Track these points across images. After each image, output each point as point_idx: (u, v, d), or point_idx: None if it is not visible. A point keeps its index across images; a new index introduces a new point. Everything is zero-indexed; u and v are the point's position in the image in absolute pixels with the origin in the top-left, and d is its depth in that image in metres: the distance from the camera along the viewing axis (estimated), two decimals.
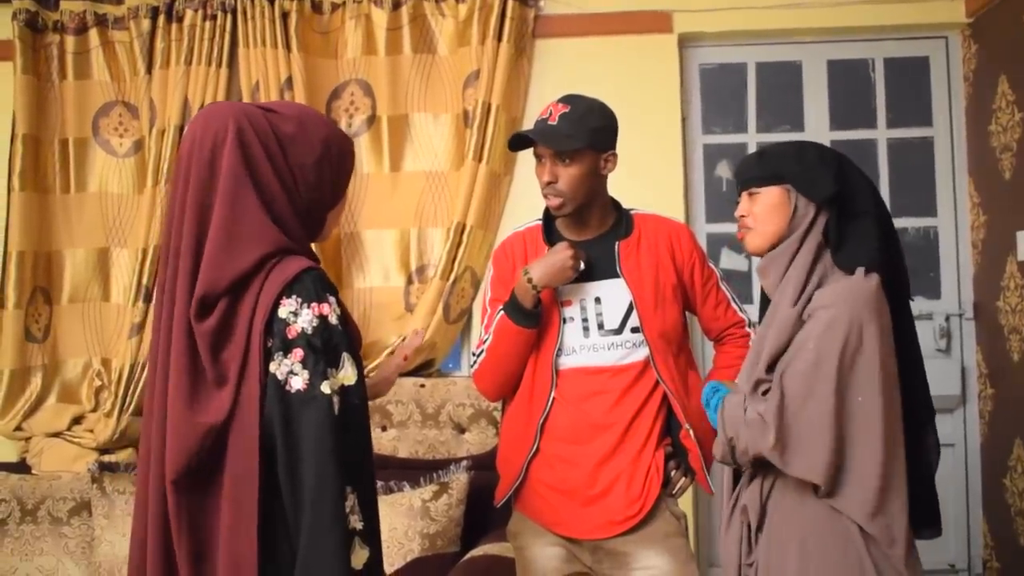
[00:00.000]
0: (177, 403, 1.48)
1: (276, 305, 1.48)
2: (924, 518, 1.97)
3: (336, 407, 1.46)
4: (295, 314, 1.48)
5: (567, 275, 2.19)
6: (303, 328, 1.47)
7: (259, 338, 1.47)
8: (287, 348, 1.47)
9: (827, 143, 3.66)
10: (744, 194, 2.01)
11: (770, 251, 1.97)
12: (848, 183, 1.94)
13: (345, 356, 1.51)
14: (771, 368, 1.90)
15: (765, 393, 1.89)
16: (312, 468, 1.43)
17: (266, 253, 1.51)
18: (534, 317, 2.21)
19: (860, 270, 1.87)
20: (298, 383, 1.46)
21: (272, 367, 1.47)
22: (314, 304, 1.49)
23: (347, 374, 1.50)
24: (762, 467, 1.93)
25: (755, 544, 1.96)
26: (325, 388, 1.46)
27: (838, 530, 1.85)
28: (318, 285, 1.51)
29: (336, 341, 1.50)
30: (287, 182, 1.56)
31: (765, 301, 2.03)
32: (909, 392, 1.91)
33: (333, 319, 1.51)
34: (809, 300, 1.89)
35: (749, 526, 1.96)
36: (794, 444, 1.82)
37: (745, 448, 1.87)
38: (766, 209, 1.95)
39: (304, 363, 1.46)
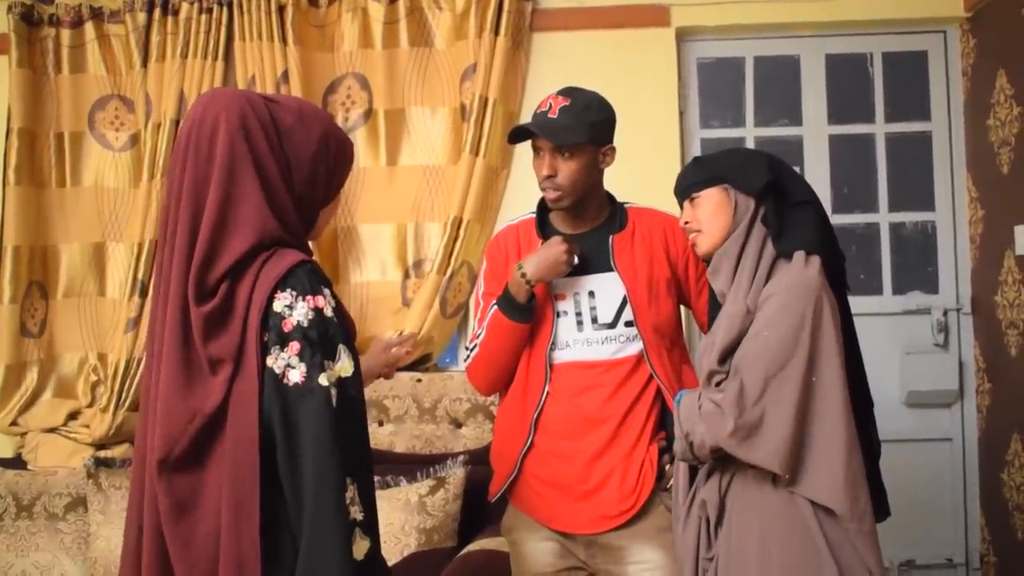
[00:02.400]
0: (169, 387, 1.47)
1: (271, 299, 1.48)
2: (874, 504, 1.99)
3: (334, 399, 1.46)
4: (290, 307, 1.47)
5: (561, 269, 2.19)
6: (299, 321, 1.47)
7: (255, 333, 1.46)
8: (283, 341, 1.46)
9: (825, 137, 3.72)
10: (686, 202, 2.08)
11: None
12: (781, 174, 2.01)
13: (341, 348, 1.50)
14: (723, 361, 1.93)
15: (719, 384, 1.92)
16: (312, 460, 1.42)
17: (263, 239, 1.50)
18: (528, 312, 2.20)
19: (800, 253, 1.93)
20: (296, 376, 1.45)
21: (269, 361, 1.46)
22: (309, 297, 1.48)
23: (344, 366, 1.50)
24: (720, 461, 1.97)
25: (714, 539, 1.98)
26: (323, 380, 1.45)
27: (796, 520, 1.88)
28: (312, 278, 1.50)
29: (332, 333, 1.49)
30: (284, 173, 1.55)
31: (715, 308, 2.09)
32: (851, 380, 1.95)
33: (328, 311, 1.50)
34: (757, 294, 1.94)
35: (707, 521, 1.98)
36: (754, 432, 1.85)
37: (702, 441, 1.89)
38: (709, 210, 2.03)
39: (301, 356, 1.46)
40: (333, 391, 1.46)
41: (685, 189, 2.07)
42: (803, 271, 1.91)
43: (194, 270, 1.48)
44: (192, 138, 1.53)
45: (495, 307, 2.23)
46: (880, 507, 2.03)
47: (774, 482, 1.90)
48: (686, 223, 2.08)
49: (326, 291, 1.52)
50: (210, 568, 1.45)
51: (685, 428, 1.92)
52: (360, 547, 1.46)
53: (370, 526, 1.49)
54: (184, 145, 1.54)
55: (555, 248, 2.18)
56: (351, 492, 1.45)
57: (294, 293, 1.48)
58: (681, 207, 2.10)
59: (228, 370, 1.46)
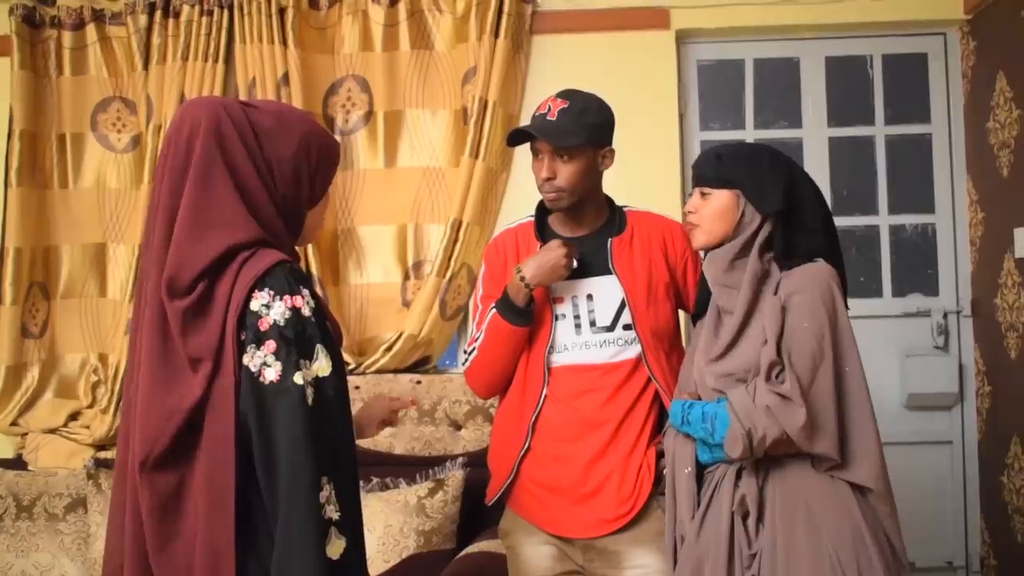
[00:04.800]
0: (149, 386, 1.49)
1: (248, 298, 1.49)
2: None
3: (310, 398, 1.47)
4: (267, 306, 1.49)
5: (560, 273, 2.18)
6: (275, 320, 1.48)
7: (232, 331, 1.48)
8: (259, 340, 1.48)
9: (825, 140, 3.71)
10: (697, 190, 2.08)
11: (713, 249, 2.07)
12: (796, 196, 2.03)
13: (319, 348, 1.51)
14: (779, 352, 1.95)
15: (777, 376, 1.92)
16: (285, 458, 1.44)
17: (239, 242, 1.51)
18: (526, 315, 2.20)
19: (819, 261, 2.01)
20: (271, 374, 1.47)
21: (245, 359, 1.48)
22: (287, 296, 1.50)
23: (321, 365, 1.51)
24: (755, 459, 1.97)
25: (754, 536, 1.96)
26: (298, 379, 1.46)
27: (839, 497, 1.93)
28: (291, 278, 1.52)
29: (310, 333, 1.51)
30: (264, 175, 1.57)
31: (702, 305, 2.13)
32: None
33: (306, 311, 1.51)
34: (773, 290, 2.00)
35: (745, 518, 1.97)
36: (816, 421, 1.89)
37: (764, 435, 1.88)
38: (715, 211, 2.04)
39: (277, 355, 1.47)
40: (309, 390, 1.47)
41: (699, 179, 2.08)
42: (820, 269, 1.98)
43: (167, 269, 1.50)
44: (171, 148, 1.56)
45: (493, 310, 2.23)
46: None
47: (813, 466, 1.94)
48: (690, 212, 2.08)
49: (305, 291, 1.53)
50: (191, 569, 1.46)
51: (746, 424, 1.89)
52: (336, 547, 1.46)
53: (348, 526, 1.50)
54: (164, 155, 1.57)
55: (554, 252, 2.17)
56: (327, 491, 1.46)
57: (272, 292, 1.50)
58: (692, 189, 2.11)
59: (207, 368, 1.48)
